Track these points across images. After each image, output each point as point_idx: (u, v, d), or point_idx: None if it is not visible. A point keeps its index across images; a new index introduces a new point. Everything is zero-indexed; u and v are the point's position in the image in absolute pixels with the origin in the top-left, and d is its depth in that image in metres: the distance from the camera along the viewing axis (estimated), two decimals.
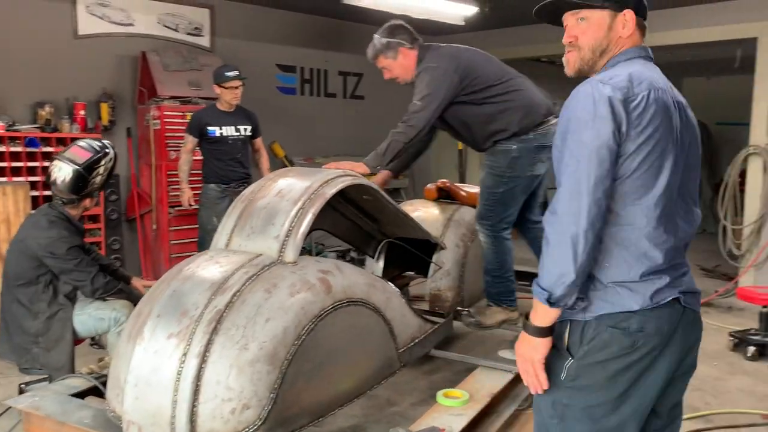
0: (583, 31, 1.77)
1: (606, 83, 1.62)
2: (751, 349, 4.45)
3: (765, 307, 4.54)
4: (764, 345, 4.08)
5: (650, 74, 1.69)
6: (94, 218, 5.39)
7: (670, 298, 1.68)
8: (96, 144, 3.23)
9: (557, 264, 1.60)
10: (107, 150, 3.22)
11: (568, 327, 1.72)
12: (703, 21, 6.16)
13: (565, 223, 1.58)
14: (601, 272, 1.67)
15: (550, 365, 1.76)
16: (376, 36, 3.22)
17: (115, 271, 3.44)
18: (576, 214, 1.57)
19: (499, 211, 3.40)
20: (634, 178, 1.63)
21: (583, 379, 1.69)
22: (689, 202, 1.75)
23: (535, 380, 1.76)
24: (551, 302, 1.62)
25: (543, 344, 1.71)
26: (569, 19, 1.80)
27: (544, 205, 3.16)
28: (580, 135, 1.60)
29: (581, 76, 1.81)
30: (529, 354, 1.74)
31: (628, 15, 1.75)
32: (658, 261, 1.67)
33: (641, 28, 1.80)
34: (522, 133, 3.17)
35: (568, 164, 1.61)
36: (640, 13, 1.79)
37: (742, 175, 6.33)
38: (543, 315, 1.68)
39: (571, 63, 1.82)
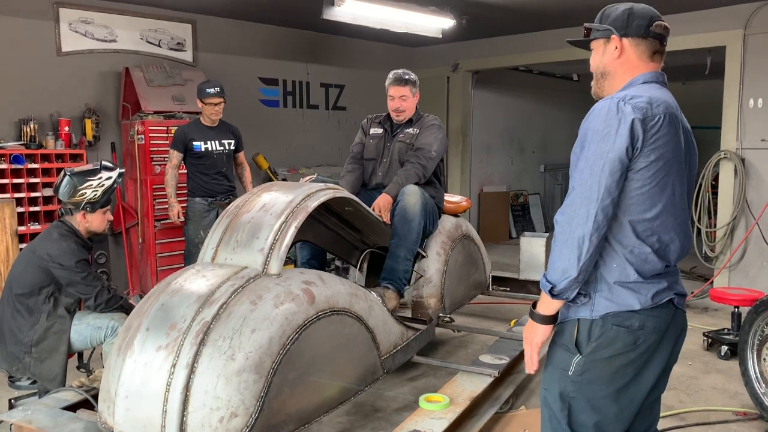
0: (591, 59, 2.00)
1: (627, 102, 1.77)
2: (724, 348, 4.57)
3: (736, 307, 4.64)
4: (736, 344, 4.17)
5: (666, 98, 1.84)
6: None
7: (667, 299, 1.87)
8: (104, 162, 3.39)
9: (563, 261, 1.77)
10: (110, 167, 3.34)
11: (577, 325, 1.88)
12: (677, 30, 6.32)
13: (574, 225, 1.75)
14: (608, 273, 1.83)
15: (559, 360, 1.92)
16: (408, 72, 3.98)
17: (115, 291, 3.53)
18: (585, 218, 1.74)
19: None
20: (642, 192, 1.78)
21: (589, 373, 1.85)
22: (686, 217, 1.92)
23: (530, 360, 1.94)
24: (553, 294, 1.81)
25: (543, 330, 1.90)
26: None
27: None
28: (597, 146, 1.75)
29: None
30: (531, 337, 1.92)
31: (614, 41, 1.92)
32: (657, 266, 1.84)
33: (654, 53, 1.93)
34: None
35: (582, 171, 1.77)
36: (639, 36, 1.90)
37: (716, 178, 6.44)
38: (547, 305, 1.87)
39: (592, 88, 2.03)
